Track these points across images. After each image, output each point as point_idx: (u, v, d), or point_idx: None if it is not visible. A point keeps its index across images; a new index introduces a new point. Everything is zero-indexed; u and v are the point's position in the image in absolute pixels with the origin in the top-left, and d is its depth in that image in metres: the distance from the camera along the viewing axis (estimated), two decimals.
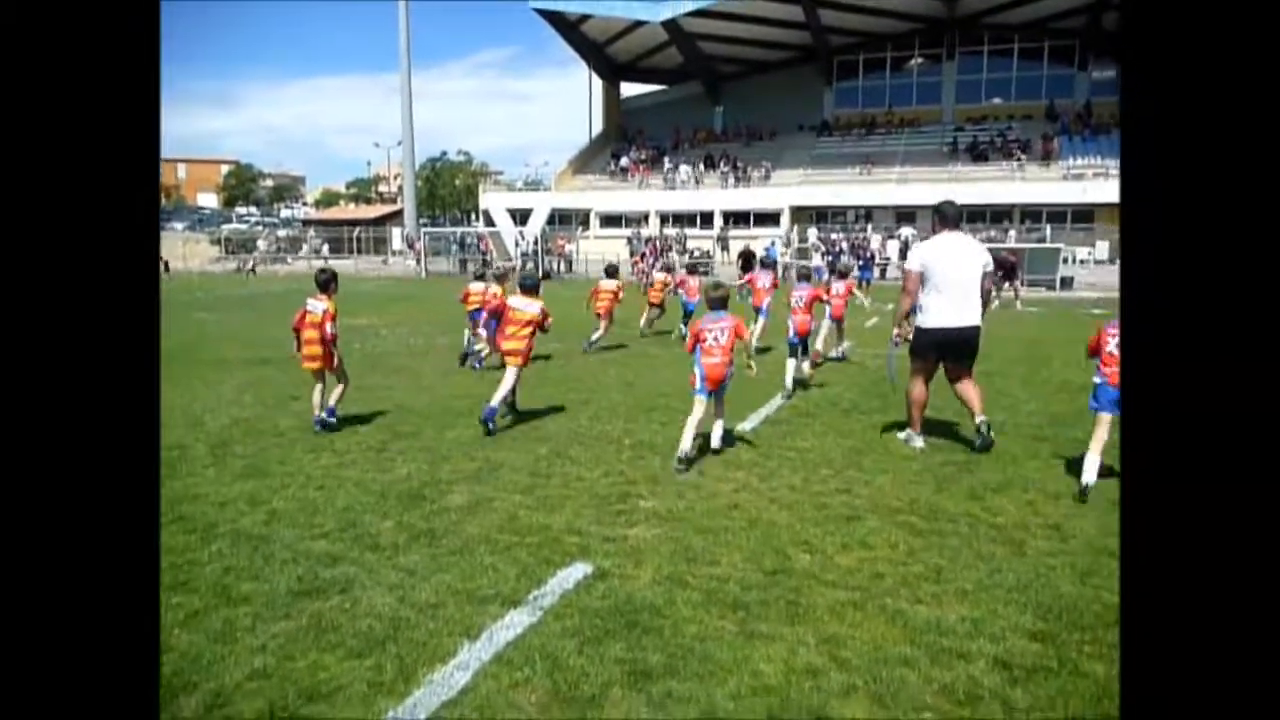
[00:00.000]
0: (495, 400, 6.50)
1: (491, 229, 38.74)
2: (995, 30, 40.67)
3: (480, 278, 10.77)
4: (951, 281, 5.78)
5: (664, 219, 39.44)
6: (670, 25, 39.36)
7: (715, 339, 5.75)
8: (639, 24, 40.31)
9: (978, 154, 37.37)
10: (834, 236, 33.91)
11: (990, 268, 5.94)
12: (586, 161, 45.53)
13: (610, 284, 12.25)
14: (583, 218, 40.93)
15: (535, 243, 35.91)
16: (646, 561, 3.82)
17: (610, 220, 40.42)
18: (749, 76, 45.39)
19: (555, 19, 42.17)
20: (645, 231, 37.98)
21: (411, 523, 4.36)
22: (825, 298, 9.85)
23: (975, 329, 5.87)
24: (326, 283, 6.54)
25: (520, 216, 39.34)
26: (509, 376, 6.65)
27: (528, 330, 6.71)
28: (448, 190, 75.99)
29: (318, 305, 6.45)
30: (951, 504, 4.69)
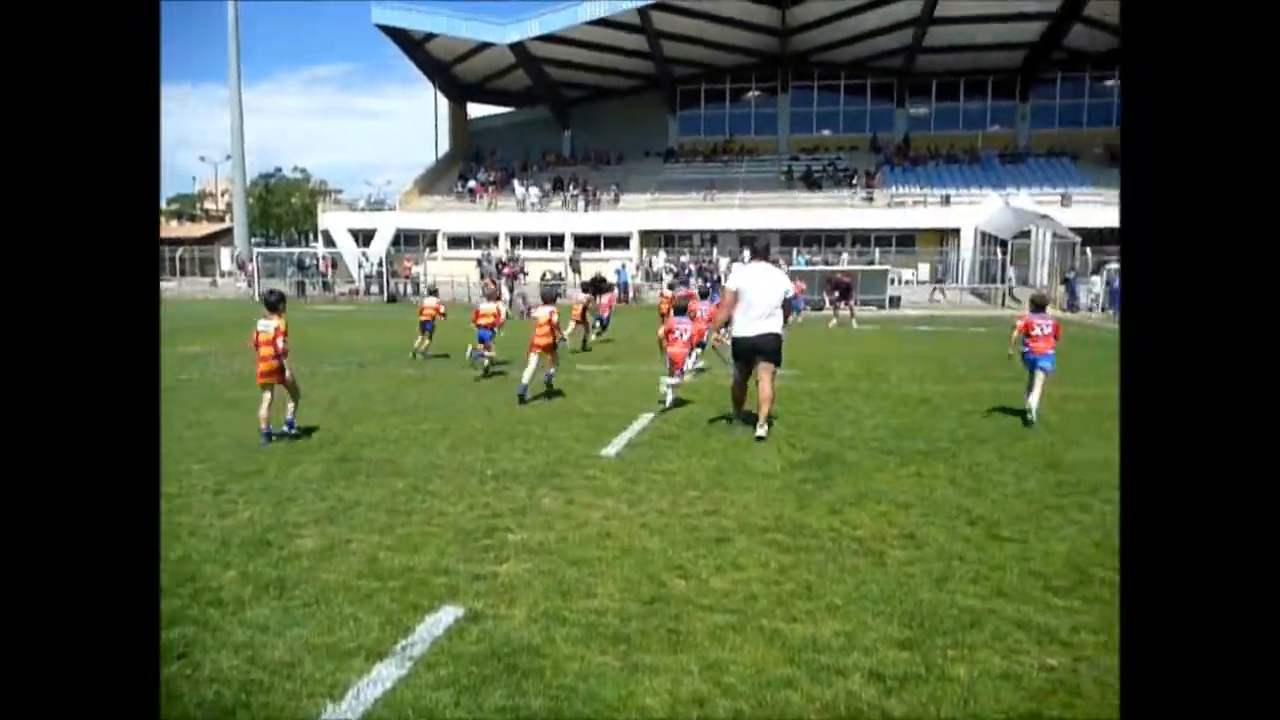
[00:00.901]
0: (526, 377, 9.11)
1: (332, 249, 36.95)
2: (824, 67, 43.42)
3: (494, 299, 12.82)
4: (757, 300, 7.24)
5: (514, 241, 39.11)
6: (517, 49, 39.31)
7: (680, 334, 9.32)
8: (486, 45, 39.99)
9: (812, 182, 39.63)
10: (682, 259, 34.81)
11: (790, 293, 7.60)
12: (433, 182, 44.47)
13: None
14: (430, 239, 39.87)
15: (380, 264, 34.59)
16: (520, 599, 3.67)
17: (459, 241, 39.61)
18: (596, 102, 46.01)
19: (399, 36, 41.09)
20: (495, 253, 37.49)
21: (258, 572, 3.99)
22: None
23: (774, 336, 7.30)
24: (275, 303, 7.18)
25: (363, 237, 37.78)
26: (533, 363, 9.25)
27: (548, 328, 9.29)
28: (283, 209, 71.85)
29: (268, 324, 6.98)
30: (814, 519, 4.85)
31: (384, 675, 3.00)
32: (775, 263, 8.96)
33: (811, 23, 38.97)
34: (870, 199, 37.63)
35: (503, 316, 11.76)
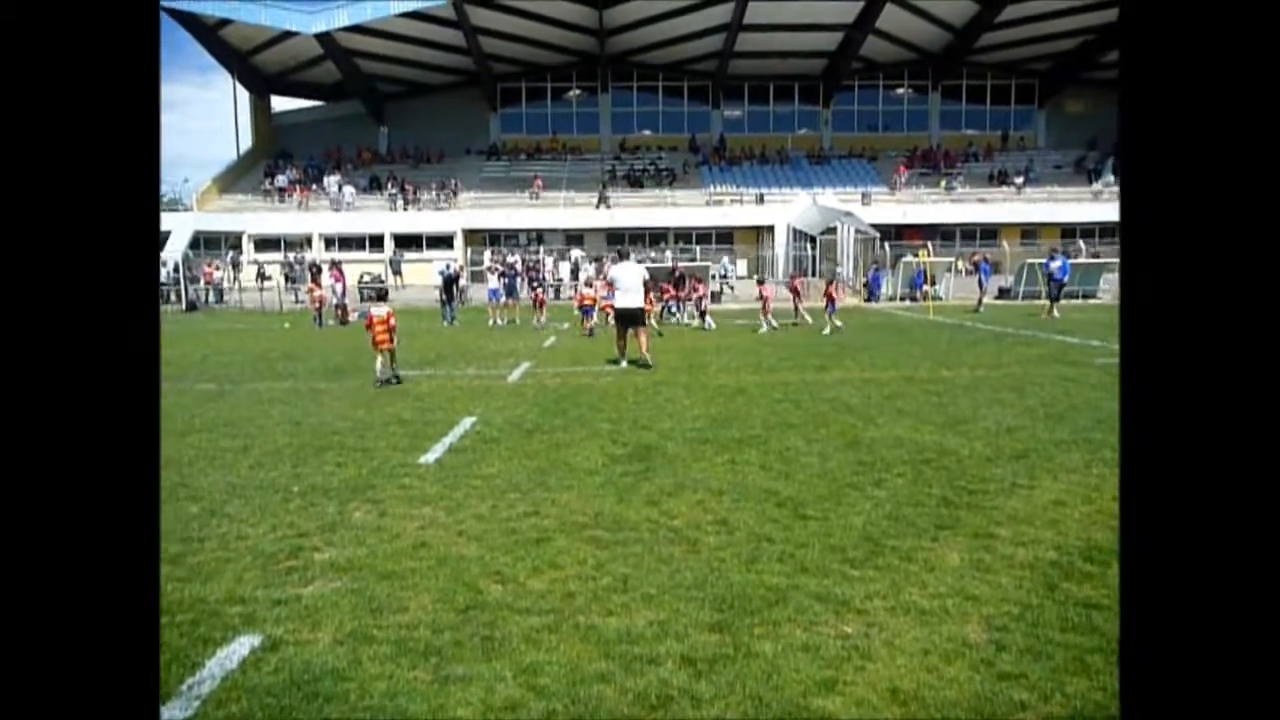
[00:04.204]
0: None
1: None
2: (642, 68, 44.38)
3: (589, 285, 20.57)
4: (626, 286, 12.38)
5: (329, 242, 37.11)
6: (324, 39, 37.24)
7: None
8: (289, 34, 37.58)
9: (634, 181, 40.41)
10: (510, 259, 34.44)
11: (647, 278, 13.20)
12: (235, 180, 41.28)
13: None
14: (234, 241, 37.02)
15: (176, 269, 31.77)
16: (325, 621, 3.47)
17: (267, 244, 37.07)
18: (413, 98, 44.49)
19: (188, 21, 37.74)
20: (310, 255, 35.39)
21: None
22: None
23: (639, 308, 12.44)
24: (384, 293, 12.18)
25: None
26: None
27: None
28: None
29: (381, 309, 10.58)
30: (632, 512, 4.93)
31: None
32: (639, 261, 16.58)
33: (628, 24, 39.66)
34: (690, 198, 38.86)
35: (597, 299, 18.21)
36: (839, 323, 17.73)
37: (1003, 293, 30.29)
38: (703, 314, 19.75)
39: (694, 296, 20.82)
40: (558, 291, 30.16)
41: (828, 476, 5.68)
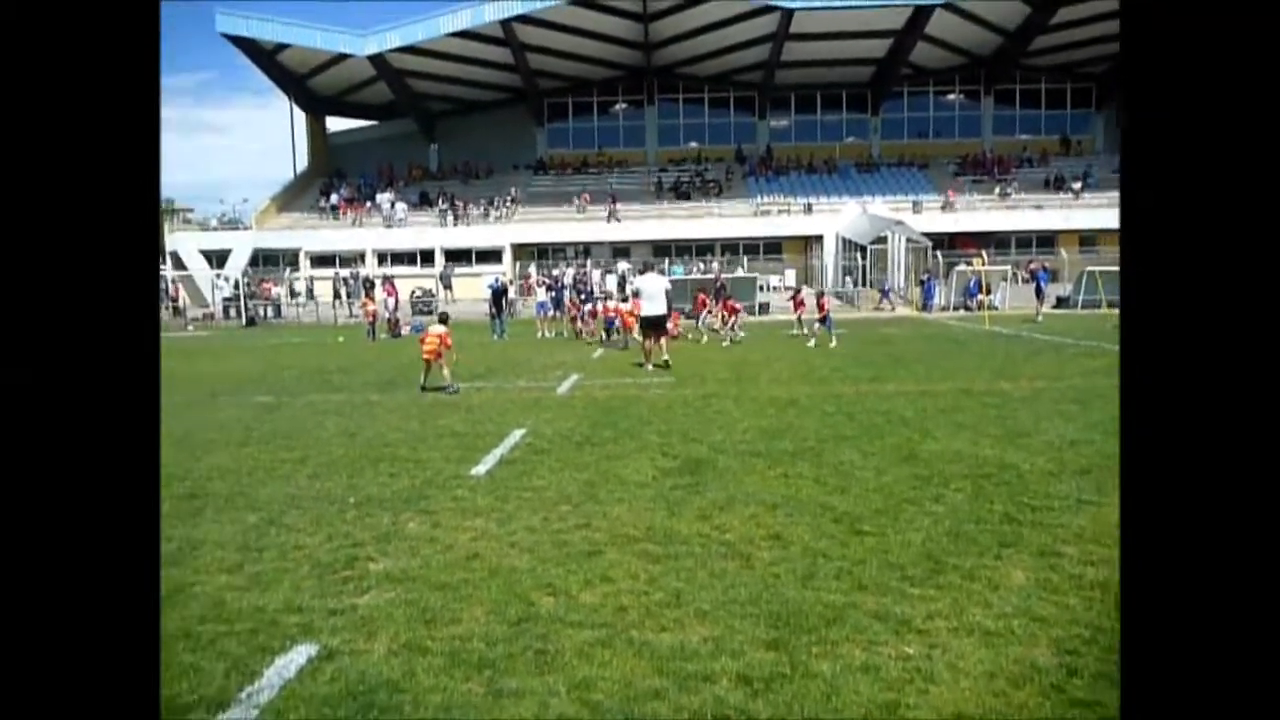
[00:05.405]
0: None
1: (182, 272, 34.64)
2: (688, 80, 44.45)
3: (609, 298, 21.89)
4: (649, 295, 13.58)
5: (381, 257, 37.85)
6: (377, 60, 38.14)
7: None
8: (343, 57, 38.59)
9: (680, 193, 40.41)
10: (555, 273, 34.70)
11: (670, 289, 14.01)
12: (293, 198, 42.44)
13: None
14: (291, 258, 38.00)
15: (237, 286, 32.74)
16: (380, 631, 3.50)
17: (322, 260, 37.94)
18: (462, 115, 45.26)
19: (248, 46, 39.03)
20: (363, 270, 36.14)
21: None
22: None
23: (661, 315, 13.62)
24: (445, 318, 12.20)
25: (217, 259, 35.64)
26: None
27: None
28: None
29: (439, 328, 11.49)
30: (684, 526, 4.87)
31: None
32: (661, 272, 18.21)
33: (674, 37, 39.80)
34: (737, 208, 38.74)
35: (611, 311, 19.19)
36: (833, 339, 17.24)
37: (1061, 301, 29.47)
38: (731, 325, 20.13)
39: (703, 311, 21.54)
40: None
41: (884, 491, 5.55)
